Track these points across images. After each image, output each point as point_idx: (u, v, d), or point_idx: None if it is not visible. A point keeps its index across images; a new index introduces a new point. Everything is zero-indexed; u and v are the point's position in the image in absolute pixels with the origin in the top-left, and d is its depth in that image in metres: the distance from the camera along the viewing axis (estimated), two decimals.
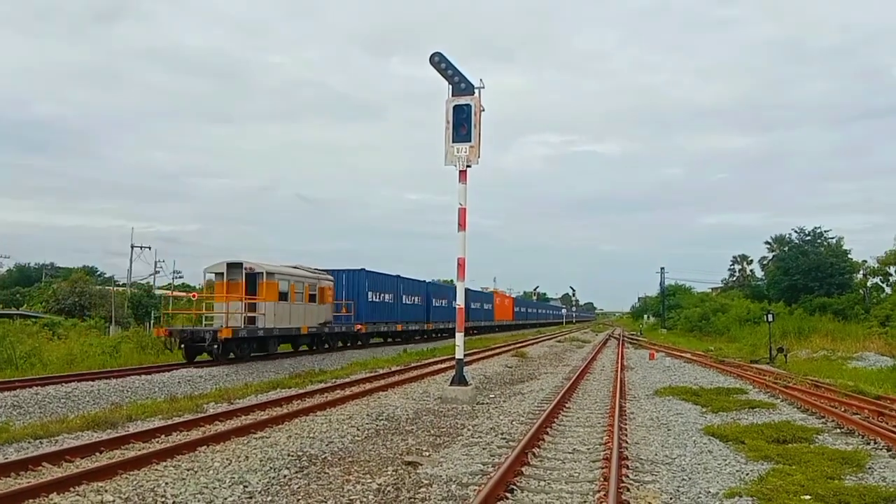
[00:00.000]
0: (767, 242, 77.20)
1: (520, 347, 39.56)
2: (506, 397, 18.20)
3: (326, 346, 33.07)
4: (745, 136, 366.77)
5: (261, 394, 17.44)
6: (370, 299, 37.21)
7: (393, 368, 24.58)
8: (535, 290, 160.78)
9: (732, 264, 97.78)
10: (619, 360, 30.60)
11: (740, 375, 23.79)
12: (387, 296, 39.84)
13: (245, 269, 26.54)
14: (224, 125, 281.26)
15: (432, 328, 48.61)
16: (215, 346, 24.27)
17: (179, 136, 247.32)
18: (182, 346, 25.36)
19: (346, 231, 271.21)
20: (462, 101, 17.68)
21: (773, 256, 75.07)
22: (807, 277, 63.53)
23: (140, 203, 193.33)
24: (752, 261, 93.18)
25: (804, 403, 16.24)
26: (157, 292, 76.74)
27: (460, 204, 17.69)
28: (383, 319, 39.35)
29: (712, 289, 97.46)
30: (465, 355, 18.94)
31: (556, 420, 13.99)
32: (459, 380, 17.57)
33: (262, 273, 26.95)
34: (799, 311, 54.50)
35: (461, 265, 17.81)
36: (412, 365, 26.36)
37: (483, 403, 16.86)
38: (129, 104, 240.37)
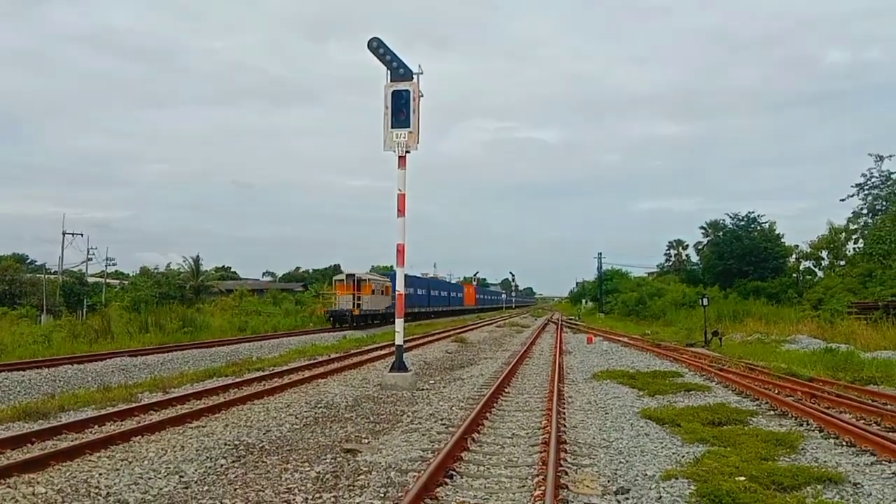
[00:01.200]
0: (702, 227, 78.25)
1: (459, 333, 39.68)
2: (446, 383, 18.24)
3: (390, 321, 45.92)
4: (679, 124, 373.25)
5: (196, 382, 17.21)
6: (411, 293, 57.63)
7: (332, 356, 24.46)
8: (475, 275, 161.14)
9: (668, 249, 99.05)
10: (558, 345, 30.89)
11: (676, 359, 24.21)
12: (411, 289, 58.22)
13: (355, 278, 48.05)
14: (159, 110, 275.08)
15: (432, 310, 70.99)
16: (350, 319, 45.75)
17: (113, 121, 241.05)
18: (331, 318, 46.64)
19: (283, 217, 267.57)
20: (401, 86, 17.63)
21: (708, 241, 76.19)
22: (741, 262, 64.71)
23: (72, 189, 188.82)
24: (687, 245, 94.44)
25: (739, 386, 16.57)
26: (90, 279, 75.14)
27: (399, 189, 17.64)
28: (412, 304, 57.54)
29: (649, 273, 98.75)
30: (404, 341, 18.93)
31: (495, 405, 14.07)
32: (399, 366, 17.56)
33: (363, 279, 48.78)
34: (733, 295, 55.47)
35: (400, 251, 17.78)
36: (352, 352, 26.26)
37: (423, 389, 16.88)
38: (61, 88, 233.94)
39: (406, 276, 41.11)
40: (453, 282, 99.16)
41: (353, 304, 46.55)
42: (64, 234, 67.87)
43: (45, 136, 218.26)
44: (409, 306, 52.40)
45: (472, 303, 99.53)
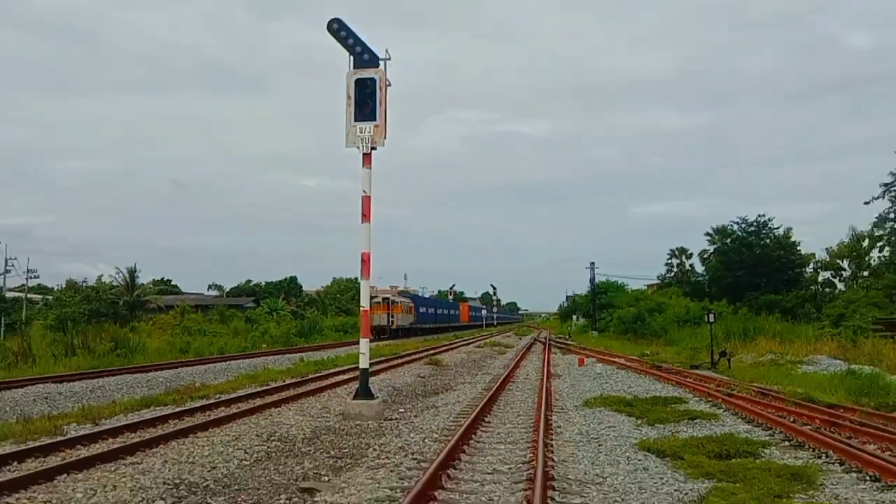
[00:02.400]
0: (708, 234, 78.55)
1: (433, 354, 39.67)
2: (417, 411, 18.23)
3: (411, 334, 75.12)
4: (684, 115, 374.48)
5: (131, 413, 17.06)
6: (421, 311, 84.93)
7: (287, 381, 24.39)
8: (451, 289, 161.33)
9: (670, 258, 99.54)
10: (545, 367, 30.97)
11: (679, 383, 24.34)
12: (423, 308, 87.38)
13: (389, 300, 72.22)
14: (79, 97, 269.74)
15: (439, 326, 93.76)
16: (388, 333, 67.31)
17: (25, 110, 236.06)
18: (374, 331, 54.72)
19: (230, 222, 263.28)
20: (365, 74, 17.58)
21: (715, 250, 76.58)
22: (752, 273, 65.22)
23: None
24: (691, 254, 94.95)
25: (749, 413, 16.69)
26: (8, 294, 74.41)
27: (364, 191, 17.61)
28: (423, 321, 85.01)
29: (648, 286, 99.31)
30: (371, 364, 18.89)
31: (473, 436, 14.08)
32: (364, 392, 17.49)
33: (394, 301, 73.50)
34: (743, 311, 55.87)
35: (365, 261, 17.69)
36: (310, 376, 26.19)
37: (391, 419, 16.85)
38: None
39: (418, 296, 73.98)
40: (454, 301, 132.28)
41: (388, 320, 70.49)
42: None
43: None
44: (423, 322, 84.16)
45: (467, 320, 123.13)
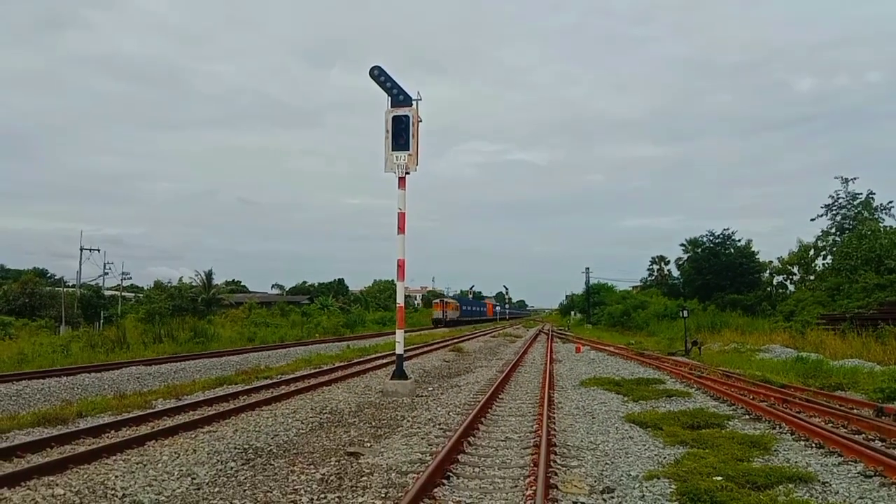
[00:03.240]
0: (682, 244, 77.94)
1: (456, 343, 39.62)
2: (443, 390, 18.23)
3: (458, 324, 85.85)
4: (659, 146, 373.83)
5: (208, 390, 17.16)
6: (464, 308, 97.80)
7: (336, 364, 24.43)
8: (470, 289, 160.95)
9: (651, 264, 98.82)
10: (549, 354, 30.89)
11: (658, 367, 24.22)
12: (466, 306, 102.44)
13: (443, 300, 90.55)
14: (167, 131, 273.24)
15: (475, 319, 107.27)
16: (444, 324, 79.53)
17: (125, 142, 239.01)
18: (434, 322, 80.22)
19: (289, 233, 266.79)
20: (401, 112, 17.66)
21: (688, 257, 76.05)
22: (718, 276, 64.95)
23: (86, 206, 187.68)
24: (669, 261, 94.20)
25: (717, 392, 16.61)
26: (107, 293, 75.02)
27: (400, 209, 17.65)
28: (465, 315, 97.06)
29: (633, 287, 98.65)
30: (405, 351, 18.91)
31: (490, 410, 14.07)
32: (399, 374, 17.54)
33: (447, 301, 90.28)
34: (712, 308, 55.64)
35: (401, 266, 17.75)
36: (355, 361, 26.23)
37: (422, 396, 16.86)
38: (72, 109, 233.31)
39: (462, 298, 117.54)
40: (482, 300, 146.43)
41: (443, 314, 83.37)
42: (82, 249, 67.86)
43: (60, 155, 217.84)
44: (465, 316, 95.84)
45: (491, 314, 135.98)
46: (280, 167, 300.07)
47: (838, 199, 55.72)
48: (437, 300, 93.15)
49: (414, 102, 17.74)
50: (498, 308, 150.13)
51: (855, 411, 13.27)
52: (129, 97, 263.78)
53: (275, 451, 10.18)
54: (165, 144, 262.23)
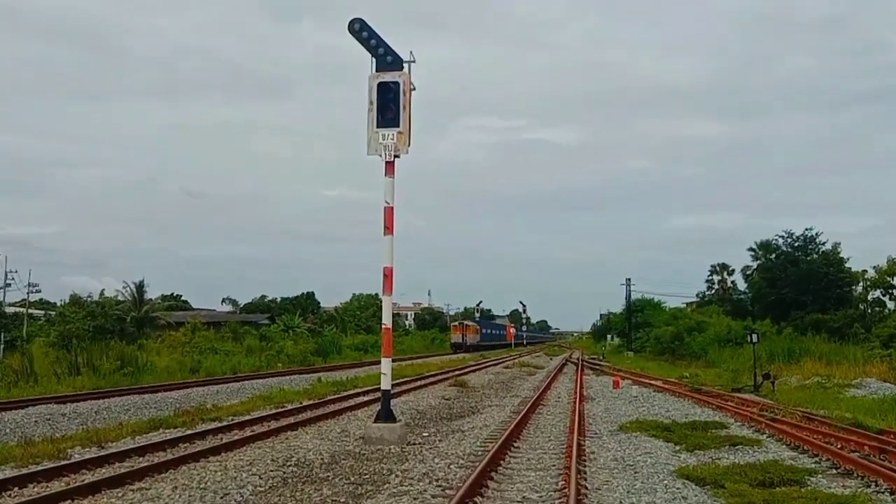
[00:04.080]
0: (751, 249, 77.93)
1: (458, 375, 39.63)
2: (442, 436, 18.22)
3: (478, 349, 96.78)
4: (719, 123, 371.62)
5: (139, 435, 17.13)
6: (483, 332, 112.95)
7: (304, 402, 24.43)
8: (478, 305, 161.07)
9: (711, 275, 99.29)
10: (578, 389, 30.89)
11: (720, 407, 24.21)
12: (487, 330, 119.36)
13: (463, 324, 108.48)
14: (92, 104, 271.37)
15: (494, 344, 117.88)
16: (464, 348, 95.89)
17: (35, 117, 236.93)
18: (453, 346, 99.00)
19: (245, 234, 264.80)
20: (388, 77, 17.49)
21: (758, 266, 76.12)
22: (797, 290, 64.86)
23: None
24: (733, 270, 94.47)
25: (794, 439, 16.59)
26: (8, 309, 74.97)
27: (387, 202, 17.54)
28: (485, 340, 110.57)
29: (687, 304, 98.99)
30: (393, 385, 18.86)
31: (502, 462, 14.06)
32: (386, 415, 17.46)
33: (467, 325, 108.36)
34: (788, 331, 55.61)
35: (388, 276, 17.59)
36: (329, 398, 26.23)
37: (415, 444, 16.84)
38: None
39: (482, 321, 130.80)
40: (496, 321, 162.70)
41: (463, 339, 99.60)
42: None
43: None
44: (484, 341, 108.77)
45: (511, 338, 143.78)
46: (236, 150, 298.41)
47: None
48: (457, 323, 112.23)
49: (405, 65, 17.62)
50: (513, 330, 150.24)
51: None
52: (41, 60, 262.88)
53: None
54: (90, 120, 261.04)
